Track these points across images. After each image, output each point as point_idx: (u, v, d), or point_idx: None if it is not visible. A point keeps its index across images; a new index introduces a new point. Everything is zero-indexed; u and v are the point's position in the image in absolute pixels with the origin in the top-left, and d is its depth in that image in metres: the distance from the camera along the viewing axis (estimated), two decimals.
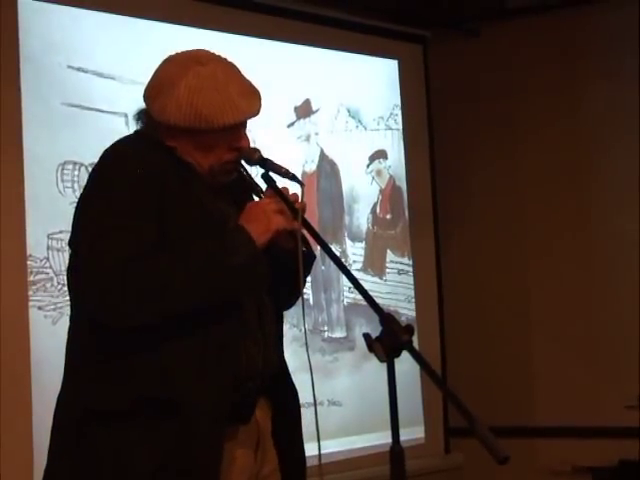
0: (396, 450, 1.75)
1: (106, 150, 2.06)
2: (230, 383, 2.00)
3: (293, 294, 2.11)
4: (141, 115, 2.11)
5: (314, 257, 2.13)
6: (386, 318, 1.80)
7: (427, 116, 4.67)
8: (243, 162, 2.10)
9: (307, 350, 2.00)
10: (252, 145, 2.11)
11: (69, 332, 2.07)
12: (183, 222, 1.98)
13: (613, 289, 4.48)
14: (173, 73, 2.04)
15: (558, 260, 4.59)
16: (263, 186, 2.10)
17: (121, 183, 1.96)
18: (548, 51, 4.63)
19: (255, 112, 2.07)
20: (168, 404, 1.94)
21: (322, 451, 2.00)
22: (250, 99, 2.06)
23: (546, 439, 4.54)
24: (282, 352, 2.17)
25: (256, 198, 2.12)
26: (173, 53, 2.12)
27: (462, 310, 4.71)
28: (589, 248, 4.55)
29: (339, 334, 4.31)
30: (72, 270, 2.04)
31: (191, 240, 1.97)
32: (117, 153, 2.04)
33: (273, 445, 2.15)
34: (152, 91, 2.06)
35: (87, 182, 2.05)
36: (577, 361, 4.50)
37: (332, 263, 2.01)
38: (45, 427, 3.06)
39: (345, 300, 4.43)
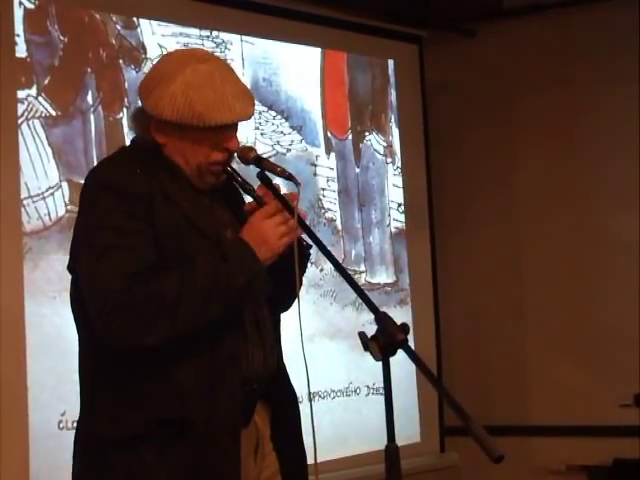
0: (391, 448, 1.76)
1: (92, 172, 2.06)
2: (240, 394, 2.01)
3: (290, 296, 2.12)
4: (137, 113, 2.11)
5: (308, 255, 2.13)
6: (382, 317, 1.81)
7: (423, 117, 4.67)
8: (237, 161, 2.11)
9: (302, 344, 2.00)
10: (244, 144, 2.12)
11: (79, 358, 2.09)
12: (174, 241, 1.99)
13: (608, 289, 4.49)
14: (171, 69, 2.04)
15: (554, 260, 4.59)
16: (254, 185, 2.10)
17: (112, 205, 1.96)
18: (545, 51, 4.62)
19: (248, 116, 2.08)
20: (181, 424, 1.96)
21: None
22: (244, 102, 2.07)
23: (541, 438, 4.55)
24: (281, 354, 2.18)
25: (247, 198, 2.12)
26: (172, 50, 2.14)
27: (457, 309, 4.72)
28: (585, 248, 4.56)
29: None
30: (75, 296, 2.05)
31: (189, 259, 1.96)
32: (103, 175, 2.04)
33: (272, 449, 2.15)
34: (148, 85, 2.07)
35: (79, 207, 2.05)
36: (572, 360, 4.51)
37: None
38: (42, 430, 3.11)
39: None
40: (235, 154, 2.10)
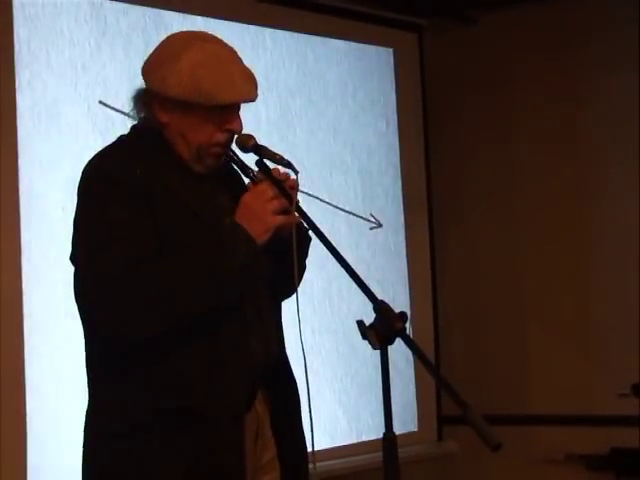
0: (389, 437, 1.76)
1: (90, 163, 2.06)
2: (243, 382, 2.02)
3: (290, 283, 2.12)
4: (139, 94, 2.10)
5: (310, 238, 2.13)
6: (380, 305, 1.81)
7: (423, 106, 4.65)
8: (236, 148, 2.10)
9: (300, 337, 2.00)
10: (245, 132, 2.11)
11: (85, 349, 2.09)
12: (173, 231, 1.99)
13: (609, 278, 4.49)
14: (177, 47, 2.04)
15: (553, 249, 4.59)
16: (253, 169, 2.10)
17: (111, 197, 1.96)
18: (546, 40, 4.61)
19: (253, 97, 2.08)
20: (186, 412, 1.96)
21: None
22: (249, 83, 2.07)
23: (539, 427, 4.56)
24: (282, 342, 2.18)
25: (248, 181, 2.11)
26: (175, 32, 2.14)
27: (456, 298, 4.72)
28: (586, 237, 4.55)
29: None
30: (77, 287, 2.05)
31: (188, 246, 1.97)
32: (101, 166, 2.03)
33: (272, 435, 2.15)
34: (153, 64, 2.07)
35: (77, 199, 2.05)
36: (571, 350, 4.51)
37: None
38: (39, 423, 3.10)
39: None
40: (234, 141, 2.10)
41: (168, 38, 2.12)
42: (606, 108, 4.50)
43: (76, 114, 3.32)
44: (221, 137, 2.06)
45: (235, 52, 2.10)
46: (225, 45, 2.10)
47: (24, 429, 3.09)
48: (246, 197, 2.04)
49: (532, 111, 4.65)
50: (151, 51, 2.12)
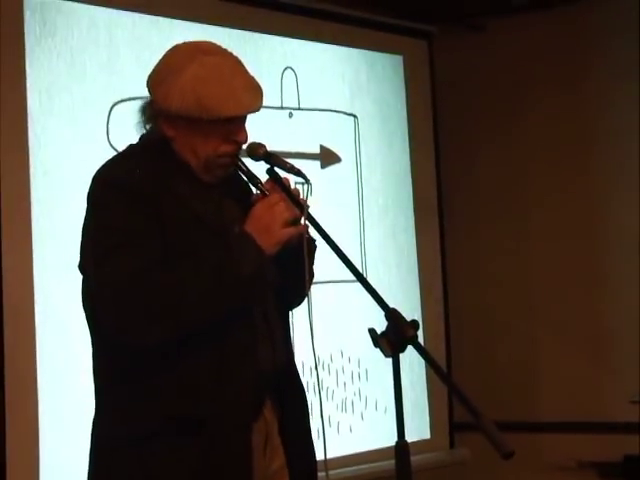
0: (401, 445, 1.76)
1: (99, 171, 2.07)
2: (251, 389, 2.02)
3: (299, 292, 2.11)
4: (145, 106, 2.11)
5: (315, 247, 2.14)
6: (391, 313, 1.81)
7: (432, 112, 4.66)
8: (246, 157, 2.11)
9: (312, 344, 2.00)
10: (253, 140, 2.12)
11: (92, 356, 2.10)
12: (181, 237, 1.99)
13: (617, 284, 4.48)
14: (179, 61, 2.04)
15: (564, 255, 4.59)
16: (261, 178, 2.10)
17: (119, 204, 1.97)
18: (553, 46, 4.62)
19: (256, 108, 2.08)
20: (194, 420, 1.96)
21: None
22: (253, 94, 2.07)
23: (551, 434, 4.55)
24: (291, 351, 2.18)
25: (255, 190, 2.11)
26: (180, 43, 2.14)
27: (467, 305, 4.71)
28: (593, 243, 4.55)
29: None
30: (85, 294, 2.07)
31: (196, 253, 1.97)
32: (110, 174, 2.04)
33: (280, 443, 2.15)
34: (156, 78, 2.07)
35: (86, 207, 2.06)
36: (582, 356, 4.50)
37: None
38: (51, 422, 3.11)
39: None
40: (244, 150, 2.10)
41: (171, 50, 2.12)
42: (609, 110, 4.50)
43: (88, 122, 3.34)
44: (228, 148, 2.07)
45: (239, 61, 2.10)
46: (228, 56, 2.09)
47: (36, 435, 3.10)
48: (257, 208, 2.04)
49: (541, 115, 4.66)
50: (157, 61, 2.12)
